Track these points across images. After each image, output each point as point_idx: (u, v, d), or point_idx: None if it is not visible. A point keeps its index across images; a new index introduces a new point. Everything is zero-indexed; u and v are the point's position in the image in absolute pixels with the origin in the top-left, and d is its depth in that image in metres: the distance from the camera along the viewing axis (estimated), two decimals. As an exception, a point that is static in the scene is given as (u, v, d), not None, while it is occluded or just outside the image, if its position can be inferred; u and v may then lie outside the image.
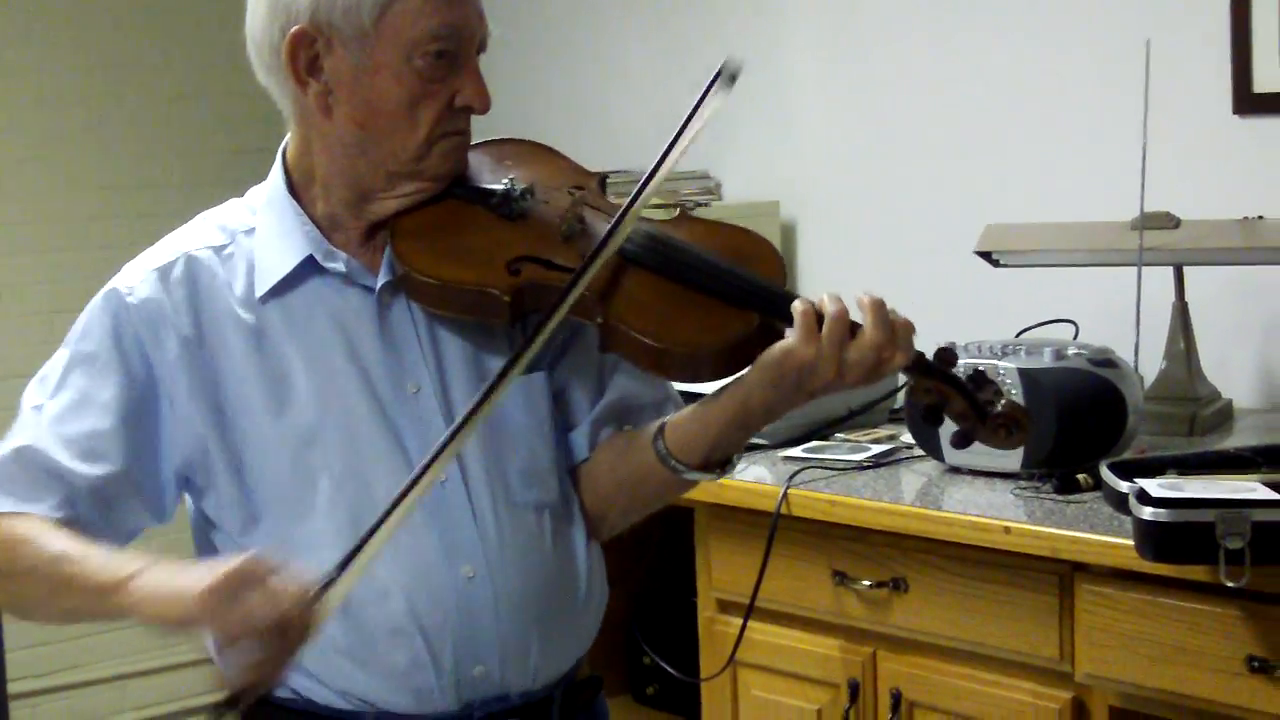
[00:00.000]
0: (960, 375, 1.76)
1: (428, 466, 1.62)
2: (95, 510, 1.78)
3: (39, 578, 1.70)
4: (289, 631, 1.53)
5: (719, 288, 1.76)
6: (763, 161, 3.75)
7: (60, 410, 1.79)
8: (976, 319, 2.98)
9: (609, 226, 1.74)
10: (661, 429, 1.82)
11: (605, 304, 1.75)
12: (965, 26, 3.37)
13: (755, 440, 2.86)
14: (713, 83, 1.72)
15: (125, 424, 1.78)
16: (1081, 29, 3.18)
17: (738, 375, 1.76)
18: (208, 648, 1.63)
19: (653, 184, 1.74)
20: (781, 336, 1.73)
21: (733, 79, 1.72)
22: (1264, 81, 2.93)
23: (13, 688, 4.20)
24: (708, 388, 1.80)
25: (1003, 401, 1.76)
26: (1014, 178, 3.30)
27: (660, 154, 1.74)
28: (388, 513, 1.60)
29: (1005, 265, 3.00)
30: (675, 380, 1.86)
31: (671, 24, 3.94)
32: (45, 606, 1.75)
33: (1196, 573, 2.12)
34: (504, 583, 1.80)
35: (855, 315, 1.71)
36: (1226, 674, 2.14)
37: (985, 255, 2.99)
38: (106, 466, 1.77)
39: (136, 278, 1.83)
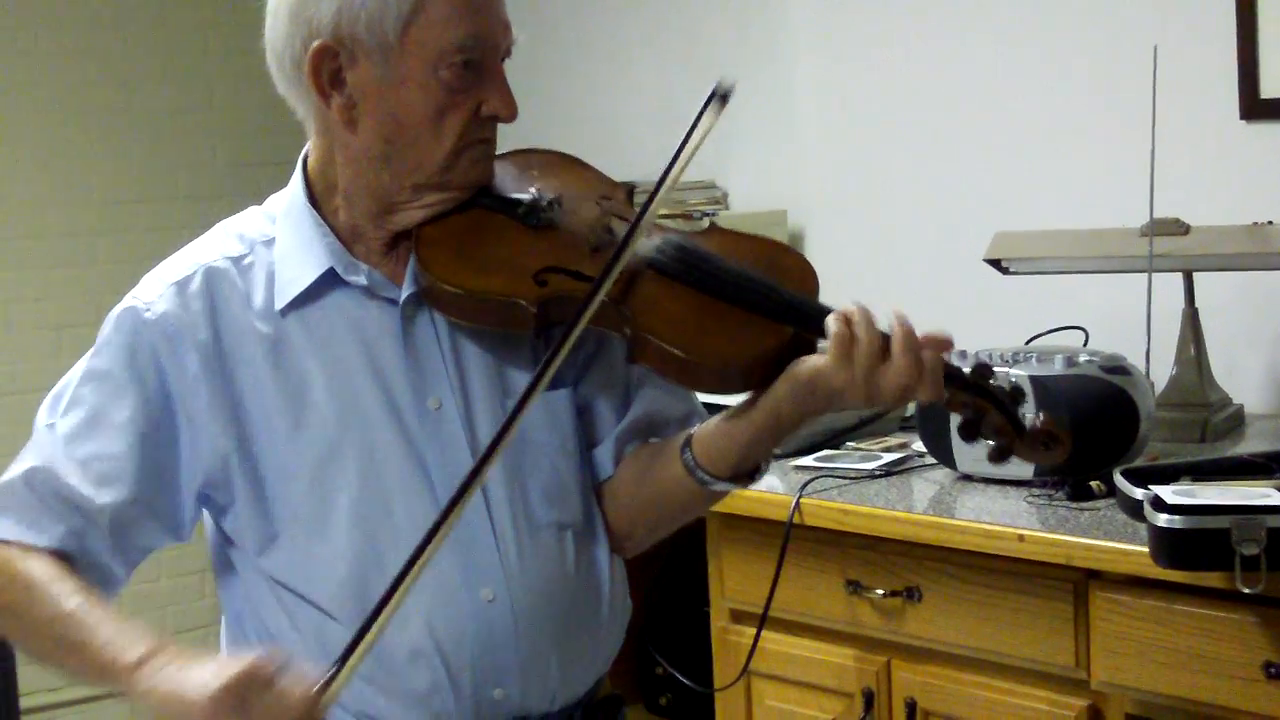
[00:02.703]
0: (998, 389, 1.72)
1: (451, 507, 1.59)
2: (107, 539, 1.75)
3: (42, 632, 1.69)
4: None
5: (749, 299, 1.74)
6: (769, 170, 3.75)
7: (72, 429, 1.76)
8: (986, 326, 2.98)
9: (616, 248, 1.71)
10: (689, 440, 1.79)
11: (634, 315, 1.73)
12: (971, 33, 3.37)
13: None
14: (706, 104, 1.71)
15: (141, 446, 1.76)
16: (1088, 36, 3.19)
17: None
18: None
19: (655, 202, 1.71)
20: (814, 347, 1.71)
21: (724, 99, 1.70)
22: (1271, 87, 2.93)
23: (24, 702, 4.20)
24: (733, 398, 1.78)
25: (1042, 416, 1.74)
26: (1022, 185, 3.30)
27: (660, 175, 1.71)
28: (394, 587, 1.57)
29: (1015, 272, 3.00)
30: (703, 392, 1.84)
31: (676, 33, 3.94)
32: (47, 657, 1.72)
33: (1212, 579, 2.12)
34: (524, 606, 1.78)
35: (885, 325, 1.68)
36: (1243, 680, 2.14)
37: (994, 263, 2.99)
38: (120, 491, 1.75)
39: (154, 292, 1.80)
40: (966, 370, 1.72)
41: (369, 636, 1.56)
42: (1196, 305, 2.86)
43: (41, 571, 1.70)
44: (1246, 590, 2.03)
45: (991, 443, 1.74)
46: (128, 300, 1.81)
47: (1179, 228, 2.77)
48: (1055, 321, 2.91)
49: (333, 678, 1.55)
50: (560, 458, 1.84)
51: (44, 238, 4.42)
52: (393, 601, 1.57)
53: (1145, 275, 2.66)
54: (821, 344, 1.69)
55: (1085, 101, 3.20)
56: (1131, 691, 2.27)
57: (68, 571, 1.71)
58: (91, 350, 1.81)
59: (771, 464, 1.85)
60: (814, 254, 3.67)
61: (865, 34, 3.56)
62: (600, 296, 1.69)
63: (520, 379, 1.79)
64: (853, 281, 3.49)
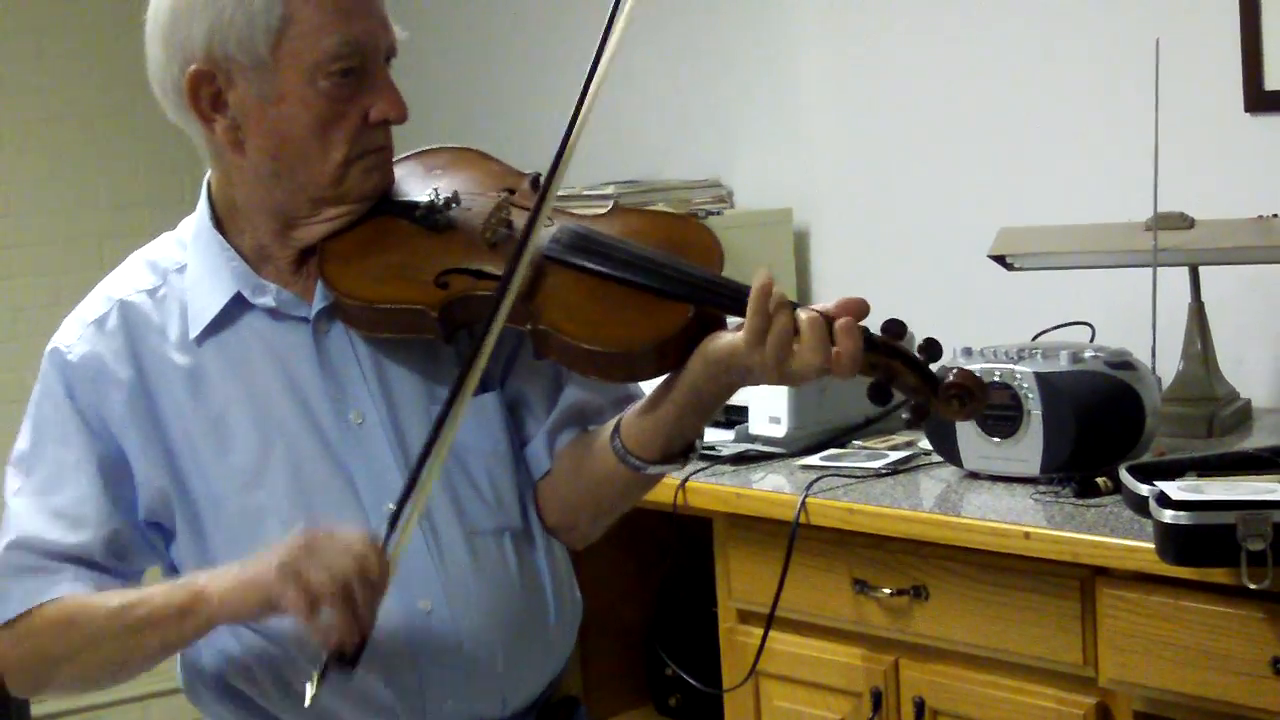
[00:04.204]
0: (907, 348, 1.69)
1: (421, 464, 1.65)
2: (108, 569, 1.77)
3: (110, 637, 1.71)
4: (369, 575, 1.58)
5: (649, 281, 1.71)
6: (774, 169, 3.74)
7: (40, 485, 1.78)
8: (991, 323, 2.98)
9: (516, 244, 1.69)
10: (617, 428, 1.78)
11: (534, 309, 1.71)
12: (974, 29, 3.36)
13: (772, 450, 2.86)
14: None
15: (103, 480, 1.78)
16: (1090, 30, 3.17)
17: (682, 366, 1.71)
18: (297, 622, 1.64)
19: (553, 184, 1.71)
20: (722, 322, 1.69)
21: None
22: (1275, 79, 2.91)
23: (36, 709, 4.21)
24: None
25: (954, 371, 1.70)
26: (1027, 181, 3.29)
27: (592, 59, 1.75)
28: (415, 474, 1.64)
29: (1020, 269, 2.99)
30: (617, 380, 1.82)
31: (679, 32, 3.93)
32: (123, 663, 1.75)
33: (1218, 575, 2.11)
34: (465, 614, 1.77)
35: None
36: (1251, 677, 2.13)
37: (999, 259, 2.98)
38: (97, 529, 1.77)
39: (74, 334, 1.82)
40: (877, 333, 1.68)
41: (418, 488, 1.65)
42: (1203, 299, 2.84)
43: (72, 605, 1.73)
44: (1253, 586, 2.03)
45: (908, 403, 1.70)
46: (51, 344, 1.83)
47: (1184, 222, 2.76)
48: (1061, 317, 2.90)
49: (390, 534, 1.63)
50: (493, 462, 1.82)
51: (52, 243, 4.43)
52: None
53: (1150, 270, 2.65)
54: (731, 320, 1.68)
55: (1089, 96, 3.19)
56: (1139, 689, 2.27)
57: (94, 591, 1.74)
58: (34, 405, 1.83)
59: (703, 440, 1.82)
60: (820, 252, 3.67)
61: (870, 31, 3.55)
62: (511, 296, 1.67)
63: (443, 386, 1.78)
64: (858, 279, 3.51)
